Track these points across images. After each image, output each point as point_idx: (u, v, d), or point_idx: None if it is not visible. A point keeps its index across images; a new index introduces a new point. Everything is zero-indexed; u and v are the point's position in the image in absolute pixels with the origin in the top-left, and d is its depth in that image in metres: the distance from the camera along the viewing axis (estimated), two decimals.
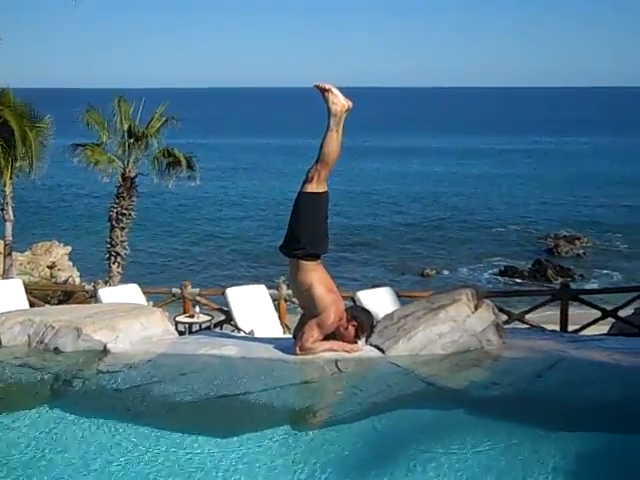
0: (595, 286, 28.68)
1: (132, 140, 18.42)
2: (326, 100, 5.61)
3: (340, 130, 5.60)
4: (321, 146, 5.61)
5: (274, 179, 61.24)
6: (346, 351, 5.74)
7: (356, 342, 5.89)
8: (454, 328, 5.87)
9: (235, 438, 4.36)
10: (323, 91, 5.63)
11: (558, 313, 11.95)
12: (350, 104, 5.65)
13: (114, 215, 18.46)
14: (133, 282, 12.27)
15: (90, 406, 4.96)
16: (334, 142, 5.60)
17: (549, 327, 9.61)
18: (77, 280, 21.85)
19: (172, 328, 6.73)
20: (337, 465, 4.07)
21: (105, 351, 5.93)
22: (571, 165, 70.48)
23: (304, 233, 5.61)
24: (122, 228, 18.46)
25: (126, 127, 18.50)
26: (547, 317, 12.96)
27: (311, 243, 5.63)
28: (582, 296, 12.70)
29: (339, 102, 5.61)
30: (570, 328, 11.45)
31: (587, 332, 11.25)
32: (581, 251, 36.16)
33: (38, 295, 13.45)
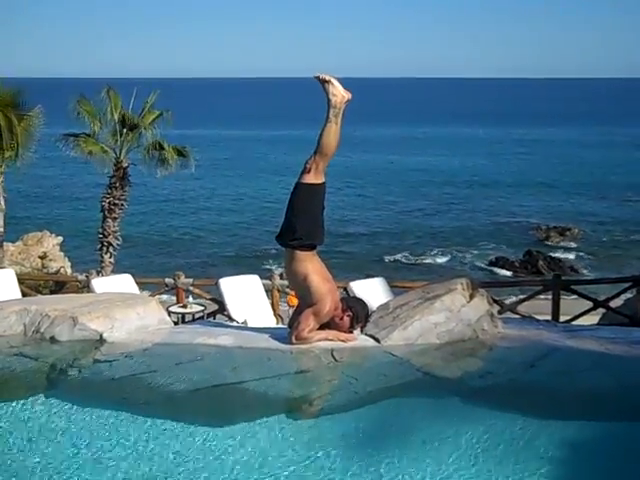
0: (586, 277, 28.81)
1: (125, 130, 18.35)
2: (326, 91, 5.61)
3: (339, 122, 5.61)
4: (320, 137, 5.61)
5: (269, 170, 61.20)
6: (341, 340, 5.77)
7: (351, 332, 5.92)
8: (449, 317, 5.89)
9: (231, 427, 4.38)
10: (323, 82, 5.63)
11: (549, 303, 12.02)
12: (349, 96, 5.65)
13: (106, 205, 18.40)
14: (125, 272, 12.27)
15: (86, 395, 4.96)
16: (333, 133, 5.61)
17: (540, 318, 9.63)
18: (69, 270, 21.76)
19: (168, 318, 6.73)
20: (333, 454, 4.08)
21: (101, 340, 5.92)
22: (562, 156, 70.68)
23: (301, 223, 5.62)
24: (114, 218, 18.40)
25: (117, 117, 18.42)
26: (538, 307, 13.00)
27: (307, 233, 5.63)
28: (574, 287, 12.78)
29: (339, 93, 5.61)
30: (561, 319, 11.52)
31: (578, 322, 11.33)
32: (572, 242, 36.32)
33: (30, 285, 13.45)
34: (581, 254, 34.58)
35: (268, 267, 27.84)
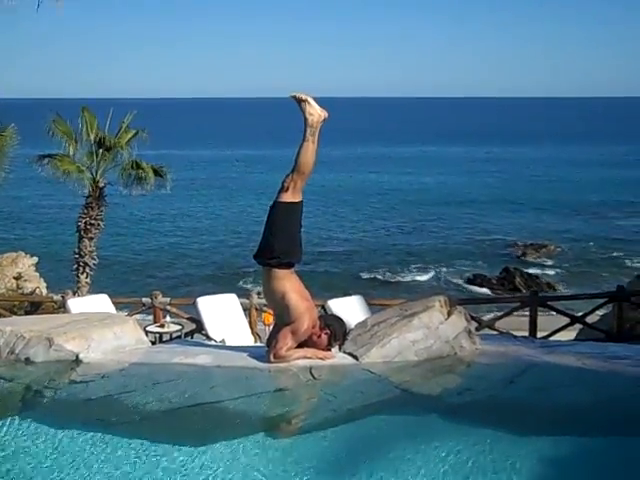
0: (563, 293, 29.00)
1: (101, 150, 18.29)
2: (303, 110, 5.64)
3: (316, 140, 5.64)
4: (297, 156, 5.63)
5: (246, 190, 61.20)
6: (320, 358, 5.75)
7: (329, 350, 5.91)
8: (427, 335, 5.90)
9: (209, 446, 4.35)
10: (300, 101, 5.66)
11: (526, 320, 12.08)
12: (326, 114, 5.69)
13: (82, 225, 18.28)
14: (101, 292, 12.18)
15: (62, 416, 4.90)
16: (310, 152, 5.63)
17: (518, 334, 9.67)
18: (44, 291, 21.57)
19: (145, 337, 6.68)
20: (312, 472, 4.07)
21: (77, 361, 5.86)
22: (540, 174, 71.36)
23: (278, 242, 5.62)
24: (90, 238, 18.28)
25: (93, 137, 18.36)
26: (515, 324, 13.06)
27: (285, 252, 5.63)
28: (550, 303, 12.85)
29: (315, 112, 5.64)
30: (539, 334, 11.57)
31: (555, 338, 11.38)
32: (548, 259, 36.58)
33: (5, 306, 13.32)
34: (557, 270, 34.84)
35: (245, 286, 27.77)
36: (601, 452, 4.37)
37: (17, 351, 5.97)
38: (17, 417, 4.84)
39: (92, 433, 4.50)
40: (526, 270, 32.90)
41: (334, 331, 5.88)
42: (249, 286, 26.87)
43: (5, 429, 4.65)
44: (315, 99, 5.67)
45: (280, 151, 72.30)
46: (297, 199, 5.67)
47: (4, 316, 11.37)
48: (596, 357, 5.94)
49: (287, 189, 5.62)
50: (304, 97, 5.66)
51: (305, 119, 5.62)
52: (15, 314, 13.31)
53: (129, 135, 18.81)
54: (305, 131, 5.62)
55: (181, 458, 4.20)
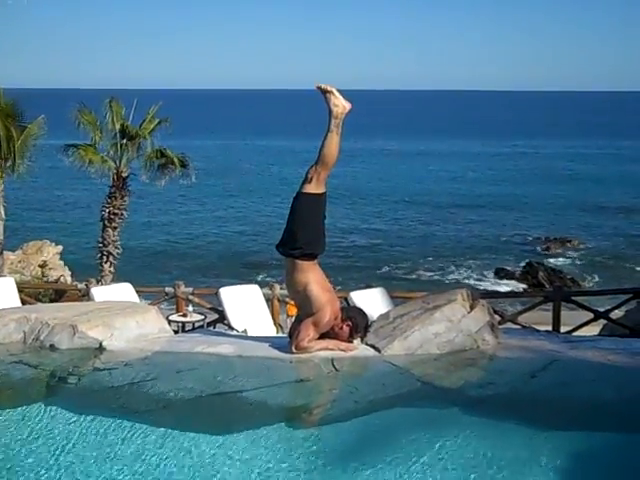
0: (587, 288, 28.77)
1: (125, 140, 18.38)
2: (327, 101, 5.63)
3: (340, 132, 5.63)
4: (321, 147, 5.62)
5: (270, 180, 61.28)
6: (342, 350, 5.76)
7: (351, 341, 5.91)
8: (450, 328, 5.88)
9: (231, 436, 4.37)
10: (325, 92, 5.65)
11: (548, 314, 11.99)
12: (350, 106, 5.67)
13: (106, 215, 18.42)
14: (125, 281, 12.24)
15: (85, 403, 4.95)
16: (334, 143, 5.62)
17: (541, 328, 9.61)
18: (69, 279, 21.74)
19: (168, 326, 6.72)
20: (332, 463, 4.07)
21: (101, 349, 5.92)
22: (565, 168, 70.76)
23: (302, 233, 5.62)
24: (114, 228, 18.42)
25: (118, 127, 18.46)
26: (537, 318, 12.96)
27: (308, 243, 5.64)
28: (574, 298, 12.76)
29: (340, 104, 5.63)
30: (562, 329, 11.49)
31: (578, 333, 11.29)
32: (573, 253, 36.30)
33: (30, 293, 13.43)
34: (582, 266, 34.54)
35: (268, 277, 27.81)
36: (623, 449, 4.35)
37: (42, 338, 6.04)
38: (42, 403, 4.90)
39: (115, 420, 4.54)
40: (550, 264, 32.67)
41: (356, 323, 5.88)
42: (272, 277, 26.93)
43: (30, 415, 4.71)
44: (340, 91, 5.66)
45: (303, 143, 72.37)
46: (321, 190, 5.67)
47: (29, 303, 11.46)
48: (620, 353, 5.89)
49: (311, 180, 5.62)
50: (329, 88, 5.64)
51: (330, 110, 5.61)
52: (40, 301, 13.42)
53: (153, 124, 18.89)
54: (329, 122, 5.61)
55: (202, 447, 4.23)
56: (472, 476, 3.91)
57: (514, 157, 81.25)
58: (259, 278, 27.56)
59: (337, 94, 5.64)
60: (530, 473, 3.95)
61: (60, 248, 24.64)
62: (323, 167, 5.61)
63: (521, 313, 12.23)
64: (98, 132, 18.48)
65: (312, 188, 5.63)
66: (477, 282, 31.03)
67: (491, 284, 31.13)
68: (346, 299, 10.62)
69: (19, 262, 22.70)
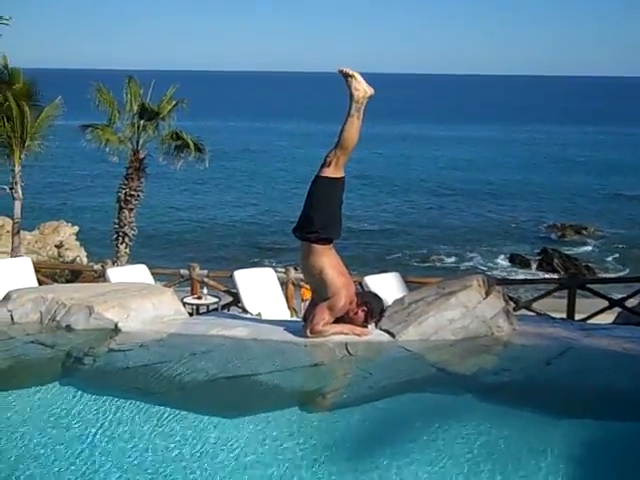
0: (602, 275, 28.63)
1: (142, 121, 18.38)
2: (349, 85, 5.60)
3: (361, 116, 5.59)
4: (341, 131, 5.60)
5: (287, 163, 61.22)
6: (356, 334, 5.77)
7: (366, 326, 5.92)
8: (465, 314, 5.88)
9: (245, 418, 4.39)
10: (347, 76, 5.61)
11: (563, 302, 11.94)
12: (372, 91, 5.64)
13: (122, 196, 18.46)
14: (140, 263, 12.28)
15: (101, 384, 4.99)
16: (354, 128, 5.59)
17: (555, 316, 9.57)
18: (84, 260, 21.90)
19: (183, 309, 6.74)
20: (346, 447, 4.09)
21: (116, 330, 5.96)
22: (580, 154, 70.26)
23: (318, 217, 5.61)
24: (130, 209, 18.46)
25: (136, 108, 18.45)
26: (552, 305, 12.90)
27: (324, 227, 5.63)
28: (589, 285, 12.69)
29: (362, 88, 5.60)
30: (576, 317, 11.45)
31: (593, 321, 11.25)
32: (588, 240, 36.13)
33: (46, 273, 13.50)
34: (597, 253, 34.38)
35: (283, 261, 27.85)
36: (638, 437, 4.33)
37: (58, 318, 6.08)
38: (58, 383, 4.95)
39: (130, 401, 4.57)
40: (565, 252, 32.53)
41: (371, 308, 5.88)
42: (286, 260, 26.96)
43: (46, 394, 4.76)
44: (363, 75, 5.62)
45: (320, 126, 72.15)
46: (339, 175, 5.65)
47: (45, 283, 11.53)
48: (636, 341, 5.87)
49: (329, 164, 5.60)
50: (351, 72, 5.61)
51: (351, 94, 5.58)
52: (56, 282, 13.53)
53: (170, 105, 18.87)
54: (350, 106, 5.58)
55: (217, 429, 4.25)
56: (485, 463, 3.91)
57: (528, 143, 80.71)
58: (274, 262, 27.61)
59: (359, 78, 5.60)
60: (544, 461, 3.94)
61: (76, 229, 24.79)
62: (342, 151, 5.59)
63: (536, 300, 12.17)
64: (116, 112, 18.47)
65: (330, 172, 5.61)
66: (492, 269, 30.95)
67: (506, 271, 31.06)
68: (360, 284, 10.61)
69: (36, 242, 22.85)
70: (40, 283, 11.38)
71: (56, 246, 21.99)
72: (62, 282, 14.28)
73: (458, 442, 4.13)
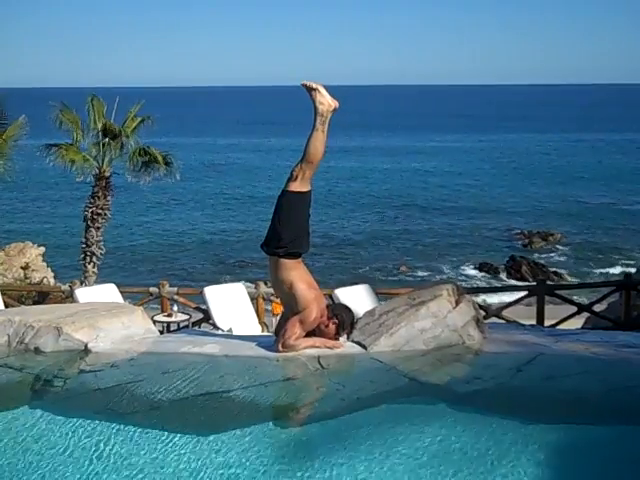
0: (570, 281, 28.95)
1: (107, 139, 18.27)
2: (313, 99, 5.60)
3: (325, 130, 5.60)
4: (306, 145, 5.60)
5: (254, 178, 61.15)
6: (328, 347, 5.77)
7: (337, 339, 5.92)
8: (435, 323, 5.90)
9: (219, 435, 4.36)
10: (310, 90, 5.62)
11: (531, 309, 12.06)
12: (337, 104, 5.65)
13: (89, 215, 18.28)
14: (109, 282, 12.19)
15: (72, 406, 4.93)
16: (319, 141, 5.60)
17: (525, 323, 9.65)
18: (52, 281, 21.62)
19: (153, 327, 6.69)
20: (320, 461, 4.07)
21: (86, 350, 5.90)
22: (546, 162, 71.17)
23: (286, 231, 5.61)
24: (97, 228, 18.29)
25: (100, 126, 18.33)
26: (521, 312, 13.02)
27: (293, 241, 5.63)
28: (558, 291, 12.83)
29: (326, 102, 5.61)
30: (545, 323, 11.56)
31: (562, 327, 11.36)
32: (555, 247, 36.53)
33: (13, 296, 13.34)
34: (564, 259, 34.78)
35: (252, 276, 27.80)
36: (610, 441, 4.37)
37: (26, 340, 6.01)
38: (27, 406, 4.89)
39: (102, 422, 4.53)
40: (532, 259, 32.85)
41: (342, 320, 5.88)
42: (255, 276, 26.90)
43: (16, 418, 4.69)
44: (326, 88, 5.63)
45: (288, 140, 72.20)
46: (306, 188, 5.66)
47: (12, 306, 11.39)
48: (605, 345, 5.94)
49: (296, 178, 5.60)
50: (315, 85, 5.62)
51: (315, 108, 5.59)
52: (23, 304, 13.35)
53: (135, 123, 18.78)
54: (315, 120, 5.59)
55: (190, 447, 4.22)
56: (459, 471, 3.93)
57: (495, 151, 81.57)
58: (244, 277, 27.54)
59: (323, 91, 5.61)
60: (517, 466, 3.96)
61: (42, 249, 24.46)
62: (308, 165, 5.59)
63: (505, 307, 12.28)
64: (80, 131, 18.33)
65: (297, 186, 5.62)
66: (460, 278, 31.12)
67: (474, 279, 31.26)
68: (331, 296, 10.62)
69: (1, 264, 22.52)
70: (6, 306, 11.25)
71: (22, 268, 21.66)
72: (29, 304, 14.08)
73: (432, 450, 4.14)
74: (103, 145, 18.33)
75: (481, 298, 18.95)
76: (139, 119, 18.87)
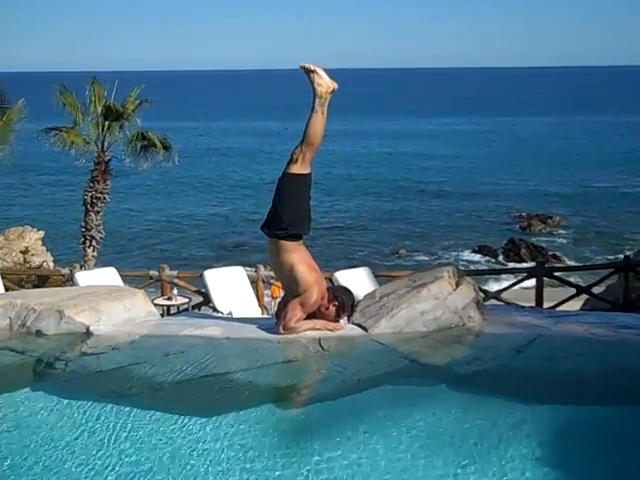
0: (568, 264, 29.00)
1: (107, 122, 18.21)
2: (311, 81, 5.60)
3: (325, 112, 5.60)
4: (306, 128, 5.60)
5: (253, 161, 61.05)
6: (329, 330, 5.78)
7: (338, 321, 5.94)
8: (436, 305, 5.92)
9: (220, 417, 4.39)
10: (308, 72, 5.61)
11: (530, 291, 12.09)
12: (335, 85, 5.64)
13: (88, 199, 18.25)
14: (108, 266, 12.20)
15: (73, 388, 4.95)
16: (319, 123, 5.60)
17: (524, 304, 9.68)
18: (51, 265, 21.62)
19: (155, 310, 6.71)
20: (321, 442, 4.09)
21: (88, 333, 5.91)
22: (544, 145, 70.96)
23: (287, 213, 5.62)
24: (97, 212, 18.26)
25: (100, 109, 18.26)
26: (520, 295, 13.06)
27: (294, 223, 5.64)
28: (557, 273, 12.87)
29: (324, 83, 5.60)
30: (544, 305, 11.60)
31: (561, 308, 11.40)
32: (554, 229, 36.55)
33: (13, 280, 13.35)
34: (563, 241, 34.81)
35: (253, 259, 27.80)
36: (609, 421, 4.39)
37: (28, 324, 6.02)
38: (29, 389, 4.91)
39: (104, 404, 4.55)
40: (531, 241, 32.86)
41: (343, 302, 5.90)
42: (255, 260, 26.88)
43: (18, 401, 4.70)
44: (325, 70, 5.62)
45: (290, 123, 71.99)
46: (306, 171, 5.66)
47: (12, 289, 11.41)
48: (604, 327, 5.96)
49: (296, 160, 5.60)
50: (313, 67, 5.61)
51: (314, 90, 5.58)
52: (23, 288, 13.36)
53: (134, 105, 18.70)
54: (314, 102, 5.58)
55: (192, 428, 4.24)
56: (459, 452, 3.94)
57: (492, 134, 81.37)
58: (243, 260, 27.56)
59: (322, 73, 5.60)
60: (517, 447, 3.98)
61: (42, 233, 24.44)
62: (308, 147, 5.59)
63: (504, 290, 12.31)
64: (80, 114, 18.27)
65: (297, 168, 5.62)
66: (460, 260, 31.15)
67: (473, 261, 31.30)
68: (330, 279, 10.64)
69: (0, 248, 22.52)
70: (7, 289, 11.27)
71: (22, 252, 21.65)
72: (29, 288, 14.08)
73: (433, 432, 4.16)
74: (103, 128, 18.27)
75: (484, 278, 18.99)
76: (137, 102, 18.79)
